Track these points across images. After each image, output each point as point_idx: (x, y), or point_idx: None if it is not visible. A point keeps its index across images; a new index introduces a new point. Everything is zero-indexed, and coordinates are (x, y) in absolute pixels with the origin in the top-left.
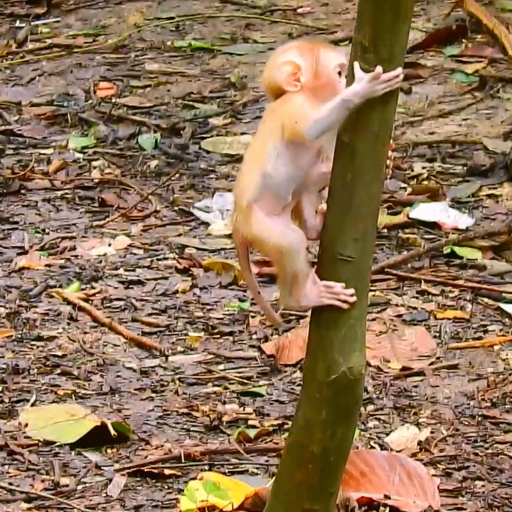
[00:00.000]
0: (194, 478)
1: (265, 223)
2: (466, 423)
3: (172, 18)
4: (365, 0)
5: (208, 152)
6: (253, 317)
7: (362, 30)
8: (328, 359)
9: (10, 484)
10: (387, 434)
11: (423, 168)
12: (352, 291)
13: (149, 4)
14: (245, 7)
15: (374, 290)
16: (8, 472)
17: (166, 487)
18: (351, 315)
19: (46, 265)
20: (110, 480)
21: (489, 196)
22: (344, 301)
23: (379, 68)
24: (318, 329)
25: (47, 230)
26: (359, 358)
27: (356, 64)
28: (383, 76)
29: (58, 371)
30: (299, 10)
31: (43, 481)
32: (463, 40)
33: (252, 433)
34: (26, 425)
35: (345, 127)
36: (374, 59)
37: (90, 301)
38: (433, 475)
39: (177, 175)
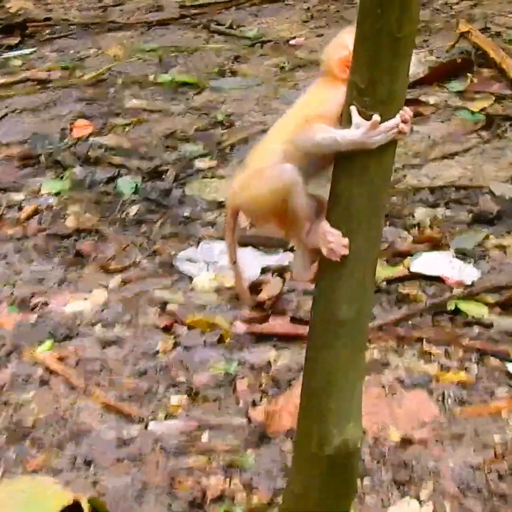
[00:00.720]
0: None
1: (265, 173)
2: (472, 497)
3: (155, 50)
4: (360, 37)
5: (192, 197)
6: (241, 379)
7: (358, 70)
8: (321, 430)
9: None
10: (386, 510)
11: (425, 215)
12: (345, 241)
13: (130, 35)
14: (234, 38)
15: (371, 350)
16: None
17: None
18: (346, 380)
19: (16, 322)
20: None
21: (496, 246)
22: (333, 251)
23: (376, 118)
24: (310, 396)
25: (17, 283)
26: (355, 429)
27: (354, 108)
28: (381, 127)
29: (28, 440)
30: (292, 42)
31: None
32: (469, 75)
33: (238, 510)
34: None
35: (339, 174)
36: (372, 102)
37: (64, 362)
38: None
39: (159, 223)
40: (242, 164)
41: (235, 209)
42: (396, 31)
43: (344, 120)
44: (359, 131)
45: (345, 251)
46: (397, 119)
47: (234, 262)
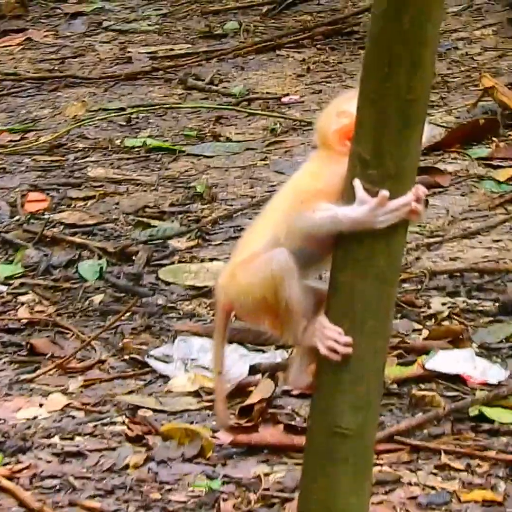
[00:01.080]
0: None
1: (254, 264)
2: None
3: (122, 109)
4: (365, 100)
5: (167, 283)
6: (224, 500)
7: (362, 139)
8: None
9: None
10: None
11: (443, 304)
12: (347, 340)
13: (92, 91)
14: (215, 95)
15: (381, 465)
16: None
17: None
18: (349, 508)
19: None
20: None
21: None
22: (334, 351)
23: (383, 194)
24: None
25: None
26: None
27: (357, 183)
28: (390, 205)
29: None
30: (284, 99)
31: None
32: (493, 139)
33: None
34: None
35: (340, 261)
36: (379, 176)
37: (16, 479)
38: None
39: (127, 314)
40: (232, 250)
41: (226, 306)
42: (406, 93)
43: (346, 196)
44: (363, 209)
45: (347, 350)
46: (408, 197)
47: (219, 372)
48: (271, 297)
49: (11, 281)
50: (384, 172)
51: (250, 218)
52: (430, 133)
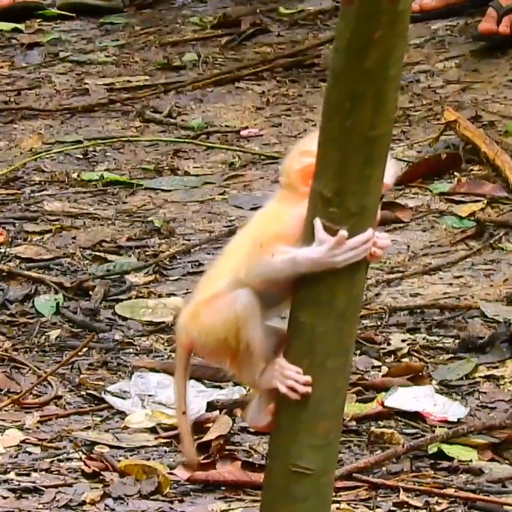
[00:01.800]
0: None
1: (216, 305)
2: None
3: (79, 142)
4: (326, 138)
5: (124, 319)
6: None
7: (323, 177)
8: None
9: None
10: None
11: (403, 340)
12: (307, 379)
13: (49, 124)
14: (174, 128)
15: (339, 502)
16: None
17: None
18: None
19: None
20: None
21: (487, 377)
22: (293, 390)
23: (341, 234)
24: None
25: None
26: None
27: (318, 221)
28: (348, 243)
29: None
30: (244, 133)
31: None
32: (456, 174)
33: None
34: None
35: (301, 301)
36: (340, 215)
37: None
38: None
39: (84, 349)
40: (189, 285)
41: (187, 345)
42: (368, 130)
43: (307, 236)
44: (322, 249)
45: (307, 389)
46: (367, 234)
47: (183, 412)
48: (233, 338)
49: None
50: (346, 211)
51: (208, 253)
52: (396, 171)
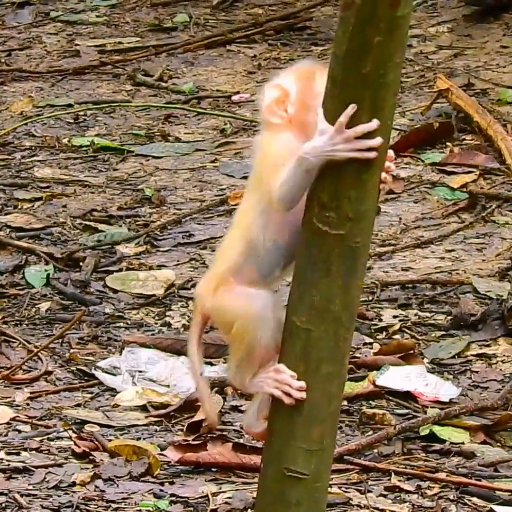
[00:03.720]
0: None
1: (237, 293)
2: None
3: (70, 105)
4: None
5: (115, 291)
6: None
7: (320, 181)
8: None
9: None
10: None
11: (395, 317)
12: (301, 384)
13: (39, 86)
14: (165, 92)
15: (330, 486)
16: None
17: None
18: None
19: None
20: None
21: (479, 356)
22: (288, 394)
23: (340, 120)
24: None
25: None
26: None
27: (320, 112)
28: (349, 132)
29: None
30: (235, 98)
31: None
32: (448, 143)
33: None
34: None
35: (296, 306)
36: (337, 220)
37: None
38: None
39: (75, 323)
40: (180, 257)
41: (204, 315)
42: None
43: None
44: (323, 138)
45: (301, 395)
46: (370, 124)
47: (201, 373)
48: (240, 332)
49: None
50: (343, 215)
51: (199, 224)
52: None
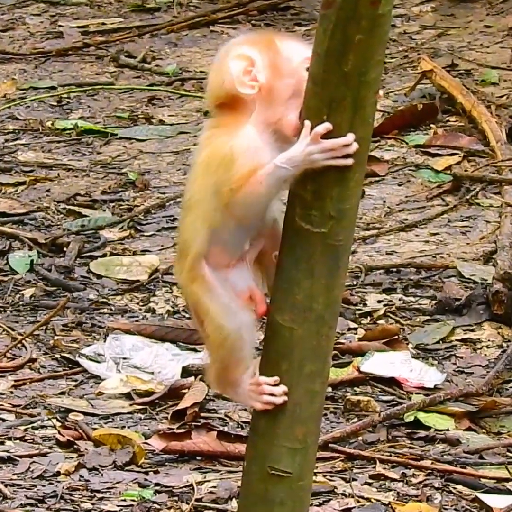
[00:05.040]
0: None
1: (211, 288)
2: None
3: (53, 88)
4: None
5: (99, 276)
6: (158, 507)
7: (303, 178)
8: None
9: None
10: None
11: (379, 301)
12: (283, 389)
13: (23, 68)
14: (148, 74)
15: (315, 474)
16: None
17: None
18: None
19: None
20: None
21: (464, 341)
22: (270, 403)
23: (315, 130)
24: None
25: None
26: None
27: (307, 124)
28: (325, 144)
29: None
30: None
31: None
32: (432, 125)
33: None
34: None
35: (279, 304)
36: (319, 218)
37: None
38: None
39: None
40: (164, 242)
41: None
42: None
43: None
44: (298, 147)
45: (284, 399)
46: (347, 138)
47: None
48: (214, 343)
49: None
50: (325, 214)
51: None
52: None
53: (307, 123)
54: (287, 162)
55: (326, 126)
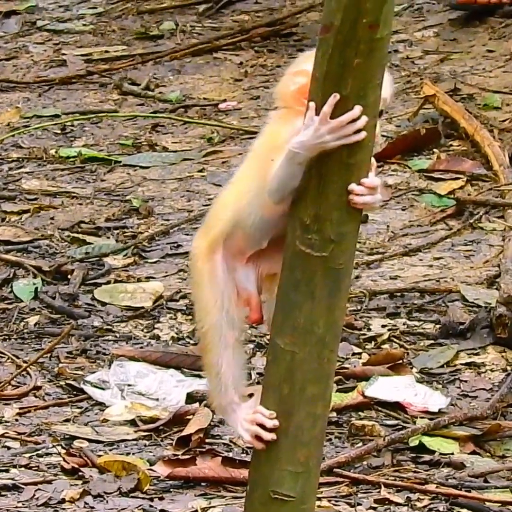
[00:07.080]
0: None
1: (215, 275)
2: None
3: (57, 116)
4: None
5: (103, 304)
6: None
7: (302, 202)
8: None
9: None
10: None
11: (383, 326)
12: (273, 423)
13: (26, 96)
14: (152, 101)
15: (320, 499)
16: None
17: None
18: None
19: None
20: None
21: (468, 365)
22: (257, 436)
23: (323, 111)
24: None
25: None
26: None
27: (312, 106)
28: (333, 122)
29: None
30: (222, 106)
31: None
32: (435, 150)
33: None
34: None
35: (280, 327)
36: (319, 242)
37: None
38: None
39: (64, 337)
40: (168, 268)
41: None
42: (346, 157)
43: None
44: (308, 131)
45: (272, 436)
46: (353, 112)
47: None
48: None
49: None
50: (325, 237)
51: (187, 234)
52: (392, 83)
53: (312, 105)
54: (300, 146)
55: (331, 103)
